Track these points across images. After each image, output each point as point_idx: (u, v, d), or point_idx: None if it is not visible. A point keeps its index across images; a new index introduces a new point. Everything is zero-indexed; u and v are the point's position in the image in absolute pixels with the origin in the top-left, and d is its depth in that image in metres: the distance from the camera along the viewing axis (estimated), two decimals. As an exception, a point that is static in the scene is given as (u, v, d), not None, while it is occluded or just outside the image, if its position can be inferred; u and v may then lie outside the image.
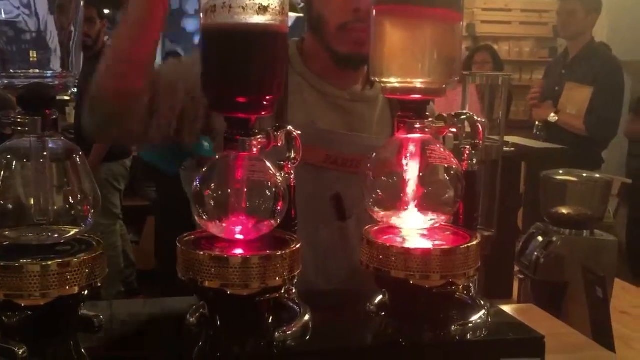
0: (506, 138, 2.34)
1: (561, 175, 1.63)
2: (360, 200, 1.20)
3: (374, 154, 0.89)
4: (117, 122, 1.10)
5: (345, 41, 1.18)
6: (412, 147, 0.84)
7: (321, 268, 1.16)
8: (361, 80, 1.29)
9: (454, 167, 0.84)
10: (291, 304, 0.81)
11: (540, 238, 1.59)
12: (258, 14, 0.72)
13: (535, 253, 1.55)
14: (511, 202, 1.68)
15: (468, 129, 0.89)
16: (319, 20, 1.19)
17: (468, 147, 0.88)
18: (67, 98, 4.29)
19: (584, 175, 1.65)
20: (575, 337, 1.11)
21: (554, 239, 1.54)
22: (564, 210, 1.59)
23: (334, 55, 1.20)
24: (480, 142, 0.88)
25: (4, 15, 0.71)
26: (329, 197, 1.20)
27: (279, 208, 0.78)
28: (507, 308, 0.96)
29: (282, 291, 0.78)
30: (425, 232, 0.86)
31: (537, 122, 3.38)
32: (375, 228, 0.87)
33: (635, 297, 1.75)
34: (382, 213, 0.86)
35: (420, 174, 0.83)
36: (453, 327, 0.80)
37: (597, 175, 1.71)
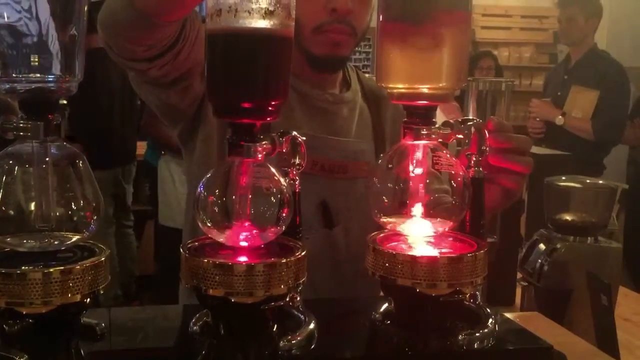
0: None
1: (565, 182, 1.62)
2: (347, 207, 1.19)
3: (380, 160, 0.88)
4: (135, 27, 0.95)
5: (321, 43, 1.13)
6: (418, 154, 0.83)
7: (307, 278, 1.14)
8: (338, 84, 1.26)
9: (460, 173, 0.84)
10: (296, 313, 0.80)
11: (543, 245, 1.58)
12: (264, 18, 0.70)
13: (539, 260, 1.54)
14: (513, 209, 1.67)
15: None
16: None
17: (474, 153, 0.87)
18: (65, 102, 4.29)
19: (588, 181, 1.65)
20: (581, 345, 1.10)
21: (558, 245, 1.53)
22: (568, 217, 1.58)
23: (310, 57, 1.15)
24: (487, 148, 0.87)
25: (5, 20, 0.70)
26: (316, 205, 1.16)
27: (284, 215, 0.77)
28: (511, 316, 0.95)
29: (287, 299, 0.77)
30: (432, 240, 0.85)
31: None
32: (381, 235, 0.86)
33: (637, 304, 1.75)
34: (388, 220, 0.85)
35: (427, 181, 0.83)
36: (460, 336, 0.79)
37: (601, 182, 1.70)
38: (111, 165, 3.80)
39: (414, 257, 0.78)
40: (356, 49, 1.26)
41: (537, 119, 3.39)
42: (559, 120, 3.26)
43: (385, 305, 0.85)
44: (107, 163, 3.72)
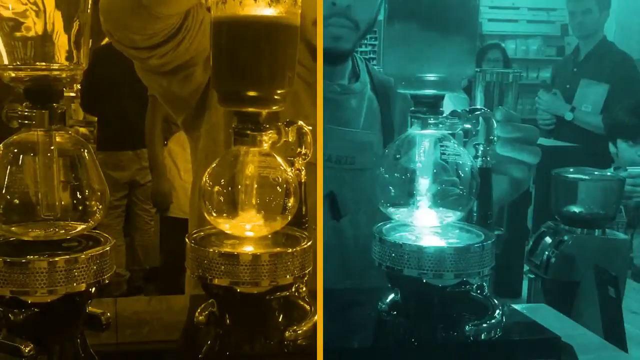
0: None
1: (572, 174, 1.61)
2: (355, 198, 1.18)
3: (387, 150, 0.87)
4: (136, 18, 0.94)
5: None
6: (426, 143, 0.82)
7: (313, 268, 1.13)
8: (346, 74, 1.25)
9: (468, 163, 0.83)
10: (302, 303, 0.79)
11: (550, 237, 1.57)
12: (270, 6, 0.70)
13: (546, 252, 1.53)
14: (520, 201, 1.67)
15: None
16: None
17: (482, 143, 0.87)
18: (72, 94, 4.29)
19: (596, 173, 1.64)
20: (588, 337, 1.10)
21: (565, 238, 1.53)
22: (575, 209, 1.58)
23: (311, 49, 1.14)
24: (495, 138, 0.86)
25: (11, 10, 0.70)
26: (323, 196, 1.15)
27: (290, 204, 0.77)
28: (518, 307, 0.94)
29: (293, 289, 0.77)
30: (439, 230, 0.84)
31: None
32: (388, 225, 0.86)
33: (645, 297, 1.74)
34: (395, 210, 0.85)
35: (434, 171, 0.82)
36: (467, 327, 0.78)
37: (609, 173, 1.69)
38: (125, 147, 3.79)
39: (420, 248, 0.77)
40: (361, 41, 1.24)
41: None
42: (568, 115, 3.24)
43: (391, 296, 0.85)
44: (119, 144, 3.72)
